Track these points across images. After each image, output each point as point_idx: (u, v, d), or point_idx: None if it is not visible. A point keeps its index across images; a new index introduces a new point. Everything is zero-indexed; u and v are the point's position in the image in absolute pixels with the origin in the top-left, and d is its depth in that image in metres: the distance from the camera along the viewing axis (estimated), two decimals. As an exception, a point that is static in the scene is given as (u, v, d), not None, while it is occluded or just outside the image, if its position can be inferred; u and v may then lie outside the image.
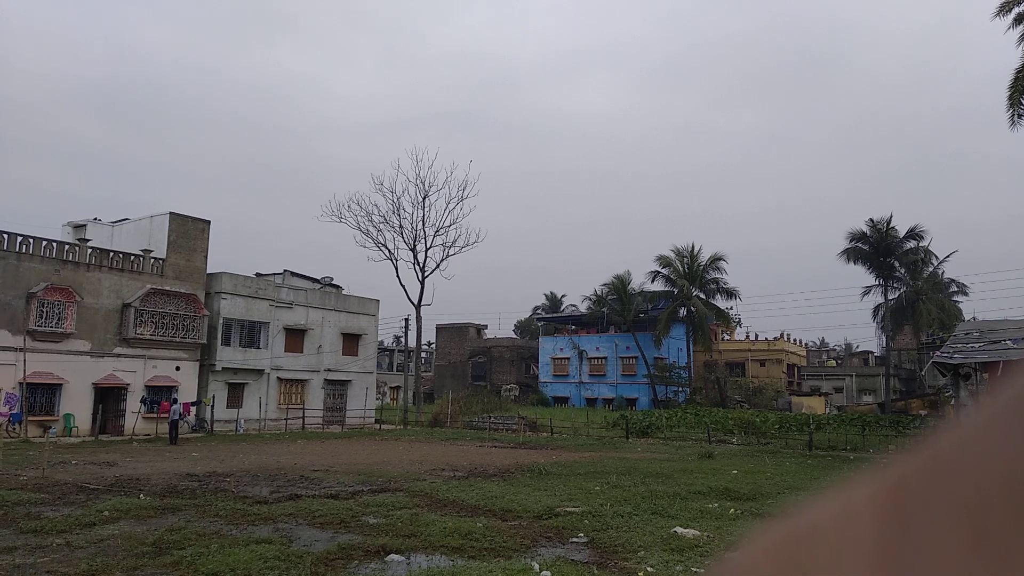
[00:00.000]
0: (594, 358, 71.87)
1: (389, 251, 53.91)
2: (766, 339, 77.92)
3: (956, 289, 70.06)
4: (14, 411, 35.49)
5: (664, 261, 68.17)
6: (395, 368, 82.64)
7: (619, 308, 69.77)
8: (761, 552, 0.47)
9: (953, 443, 0.39)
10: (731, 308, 69.65)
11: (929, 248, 62.52)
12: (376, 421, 50.00)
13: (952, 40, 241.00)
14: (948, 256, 74.31)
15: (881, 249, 60.62)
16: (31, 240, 37.28)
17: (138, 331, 39.41)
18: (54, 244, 38.17)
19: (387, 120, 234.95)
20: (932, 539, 0.37)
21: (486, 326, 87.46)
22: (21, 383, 35.82)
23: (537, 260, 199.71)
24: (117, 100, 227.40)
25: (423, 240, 53.10)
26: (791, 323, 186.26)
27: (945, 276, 68.66)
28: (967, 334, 30.79)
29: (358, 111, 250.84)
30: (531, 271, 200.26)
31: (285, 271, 51.04)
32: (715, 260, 67.98)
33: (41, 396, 36.85)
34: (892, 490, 0.40)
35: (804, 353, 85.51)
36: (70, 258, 38.41)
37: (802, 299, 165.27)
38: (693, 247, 68.44)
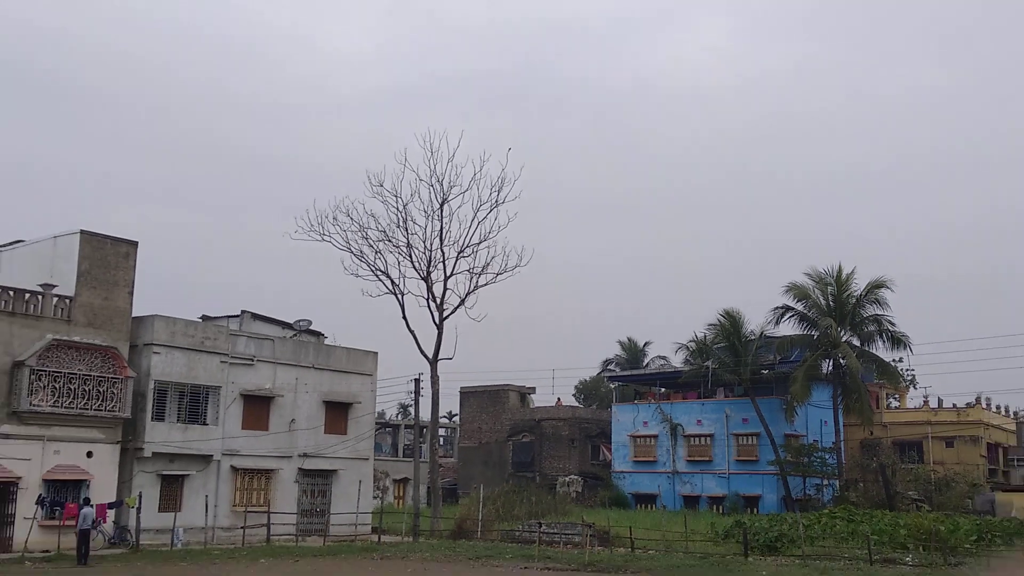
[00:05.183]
0: (695, 436, 57.11)
1: (392, 281, 42.24)
2: (954, 406, 59.78)
3: None
4: None
5: (798, 292, 52.85)
6: (401, 452, 68.52)
7: (730, 361, 54.07)
8: None
9: None
10: (899, 360, 55.39)
11: None
12: (374, 530, 41.96)
13: None
14: None
15: None
16: None
17: (34, 401, 33.38)
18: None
19: (389, 88, 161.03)
20: None
21: (533, 390, 70.46)
22: None
23: (608, 297, 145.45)
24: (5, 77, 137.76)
25: (441, 264, 42.69)
26: (991, 382, 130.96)
27: None
28: None
29: (350, 75, 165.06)
30: (599, 312, 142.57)
31: (244, 313, 42.85)
32: (875, 288, 51.95)
33: None
34: None
35: (1013, 426, 66.82)
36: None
37: (1008, 346, 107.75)
38: (841, 271, 52.89)
